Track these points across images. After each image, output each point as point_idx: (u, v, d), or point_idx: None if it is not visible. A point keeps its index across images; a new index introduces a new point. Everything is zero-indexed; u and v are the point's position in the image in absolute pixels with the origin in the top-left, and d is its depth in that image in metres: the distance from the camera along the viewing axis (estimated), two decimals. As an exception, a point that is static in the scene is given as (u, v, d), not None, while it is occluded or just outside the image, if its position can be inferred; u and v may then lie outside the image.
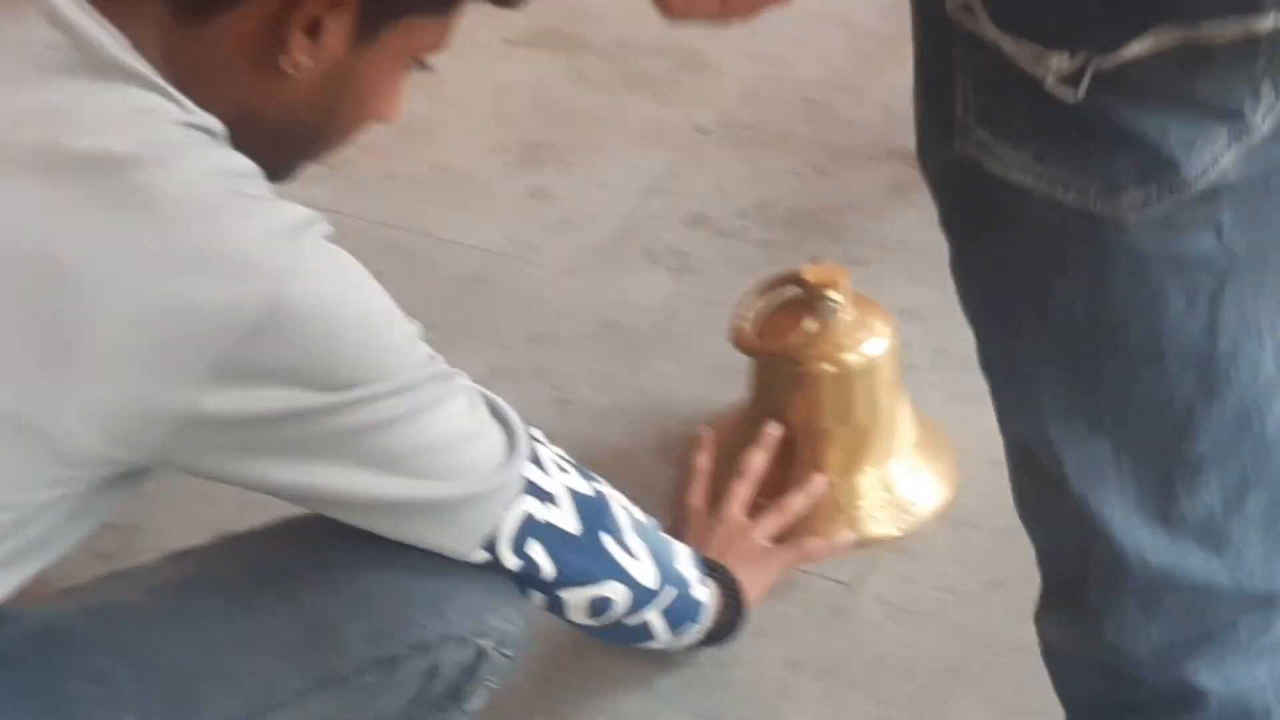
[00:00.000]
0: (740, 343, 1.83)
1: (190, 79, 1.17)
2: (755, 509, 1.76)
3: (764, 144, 2.47)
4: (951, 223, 1.11)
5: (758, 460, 1.79)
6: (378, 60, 1.25)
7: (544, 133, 2.48)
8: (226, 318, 1.11)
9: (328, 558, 1.32)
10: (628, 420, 2.01)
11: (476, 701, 1.40)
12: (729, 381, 2.01)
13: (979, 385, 1.97)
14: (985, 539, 1.83)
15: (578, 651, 1.69)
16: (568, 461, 1.41)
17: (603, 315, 2.16)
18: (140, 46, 1.15)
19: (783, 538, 1.74)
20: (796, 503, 1.77)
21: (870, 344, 1.81)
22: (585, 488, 1.40)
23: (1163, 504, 1.05)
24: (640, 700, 1.68)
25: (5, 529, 1.15)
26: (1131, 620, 1.08)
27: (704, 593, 1.54)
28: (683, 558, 1.51)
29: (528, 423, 1.35)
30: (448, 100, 2.47)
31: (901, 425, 1.87)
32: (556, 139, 2.47)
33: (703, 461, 1.80)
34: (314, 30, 1.19)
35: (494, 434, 1.32)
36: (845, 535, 1.80)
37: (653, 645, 1.54)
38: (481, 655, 1.36)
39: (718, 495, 1.76)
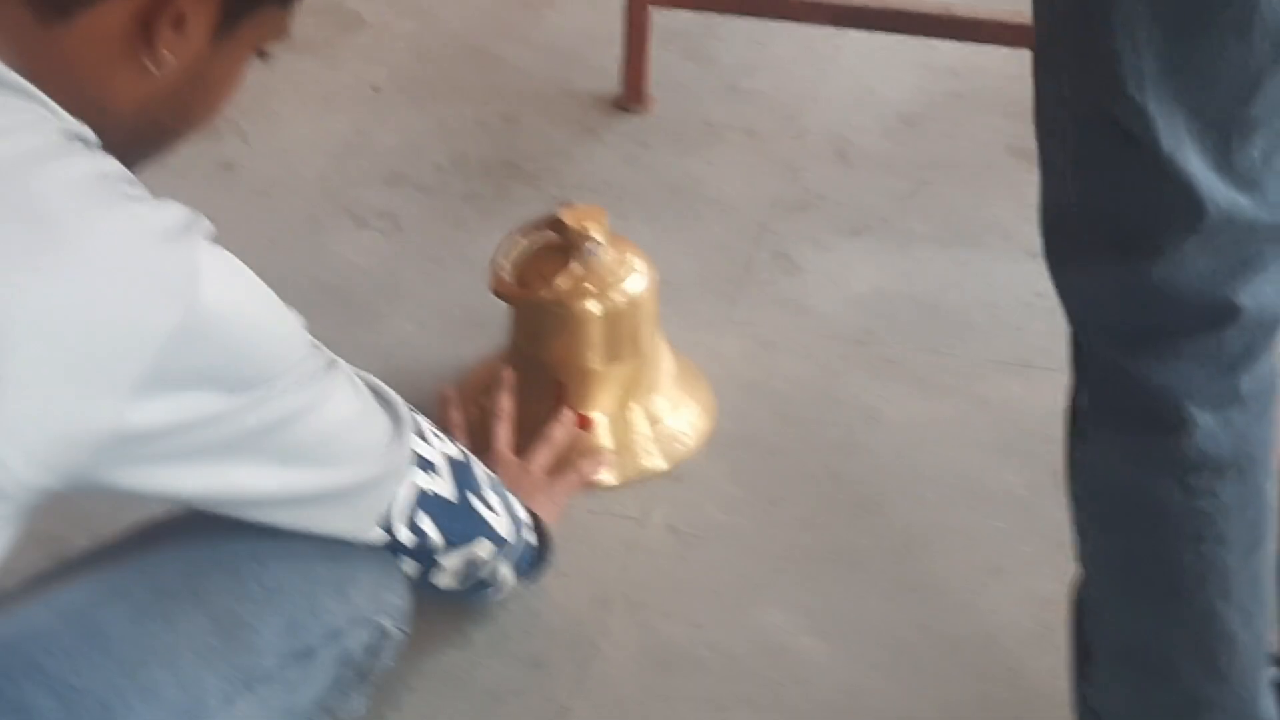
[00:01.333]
0: (501, 291, 1.83)
1: (52, 82, 1.13)
2: (519, 452, 1.79)
3: (443, 97, 2.47)
4: None
5: (505, 401, 1.83)
6: (232, 52, 1.23)
7: (214, 104, 2.41)
8: (143, 329, 1.08)
9: (230, 555, 1.29)
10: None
11: (373, 681, 1.39)
12: (467, 335, 2.04)
13: (709, 313, 2.07)
14: (753, 459, 1.89)
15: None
16: (435, 427, 1.42)
17: (323, 283, 2.13)
18: (2, 53, 1.11)
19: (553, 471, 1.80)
20: (557, 432, 1.82)
21: (632, 281, 1.84)
22: (455, 452, 1.42)
23: (1222, 158, 1.20)
24: (460, 655, 1.68)
25: None
26: (1188, 255, 1.22)
27: (531, 533, 1.58)
28: (516, 502, 1.54)
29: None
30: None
31: (661, 358, 1.91)
32: (229, 109, 2.39)
33: (506, 403, 1.83)
34: (179, 24, 1.17)
35: (379, 415, 1.33)
36: (601, 451, 1.85)
37: (495, 595, 1.57)
38: (383, 634, 1.37)
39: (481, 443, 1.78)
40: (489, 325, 1.95)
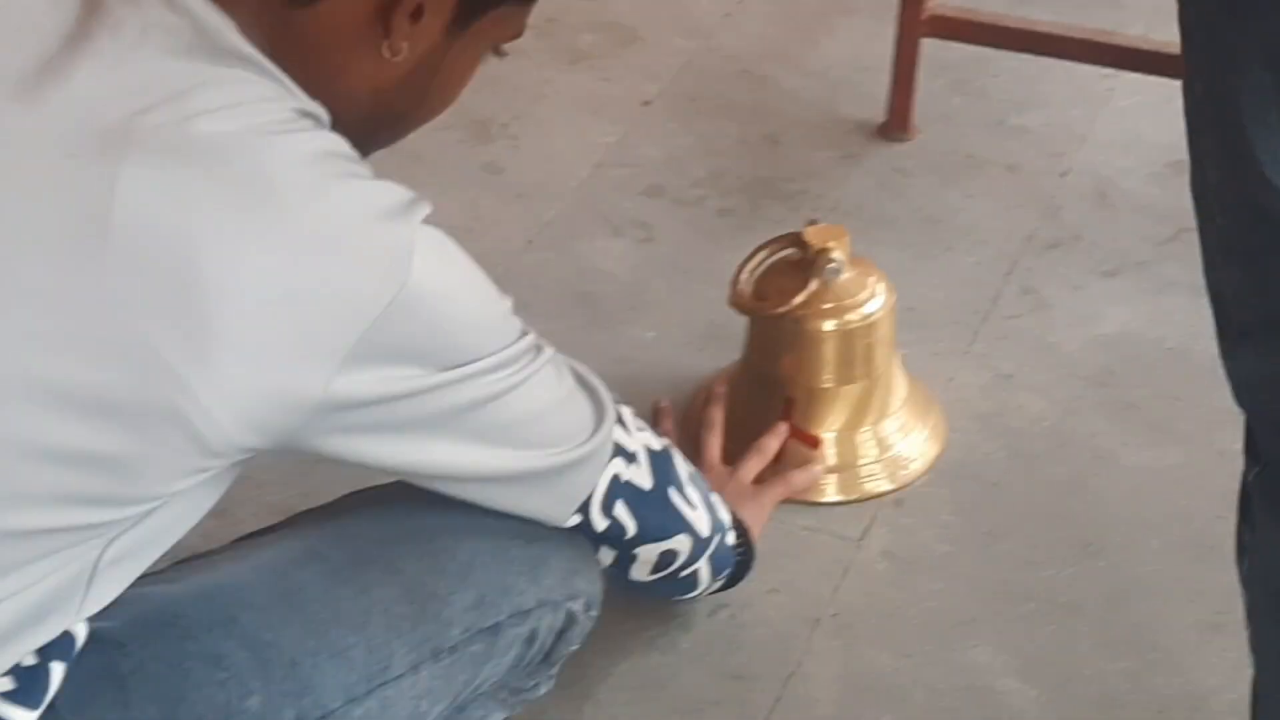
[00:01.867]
0: (738, 303, 1.85)
1: (291, 62, 1.18)
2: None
3: (710, 115, 2.49)
4: None
5: (715, 412, 1.86)
6: (466, 48, 1.27)
7: (488, 109, 2.47)
8: (359, 301, 1.12)
9: (427, 528, 1.33)
10: (611, 388, 2.03)
11: (561, 664, 1.42)
12: (707, 347, 2.06)
13: (950, 342, 2.06)
14: (978, 491, 1.88)
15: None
16: (638, 417, 1.44)
17: (573, 286, 2.17)
18: (246, 30, 1.16)
19: (761, 480, 1.81)
20: (769, 443, 1.83)
21: (871, 302, 1.84)
22: (656, 444, 1.44)
23: None
24: (663, 660, 1.70)
25: (137, 519, 1.14)
26: None
27: (733, 536, 1.59)
28: (720, 503, 1.55)
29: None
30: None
31: (895, 382, 1.91)
32: (502, 115, 2.47)
33: (716, 415, 1.86)
34: (417, 16, 1.21)
35: (583, 401, 1.36)
36: (817, 466, 1.85)
37: (693, 594, 1.59)
38: (571, 618, 1.39)
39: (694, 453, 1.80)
40: (729, 339, 1.96)
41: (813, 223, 1.86)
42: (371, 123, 1.27)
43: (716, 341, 2.03)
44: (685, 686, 1.68)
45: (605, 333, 2.10)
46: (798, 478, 1.83)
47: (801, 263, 1.83)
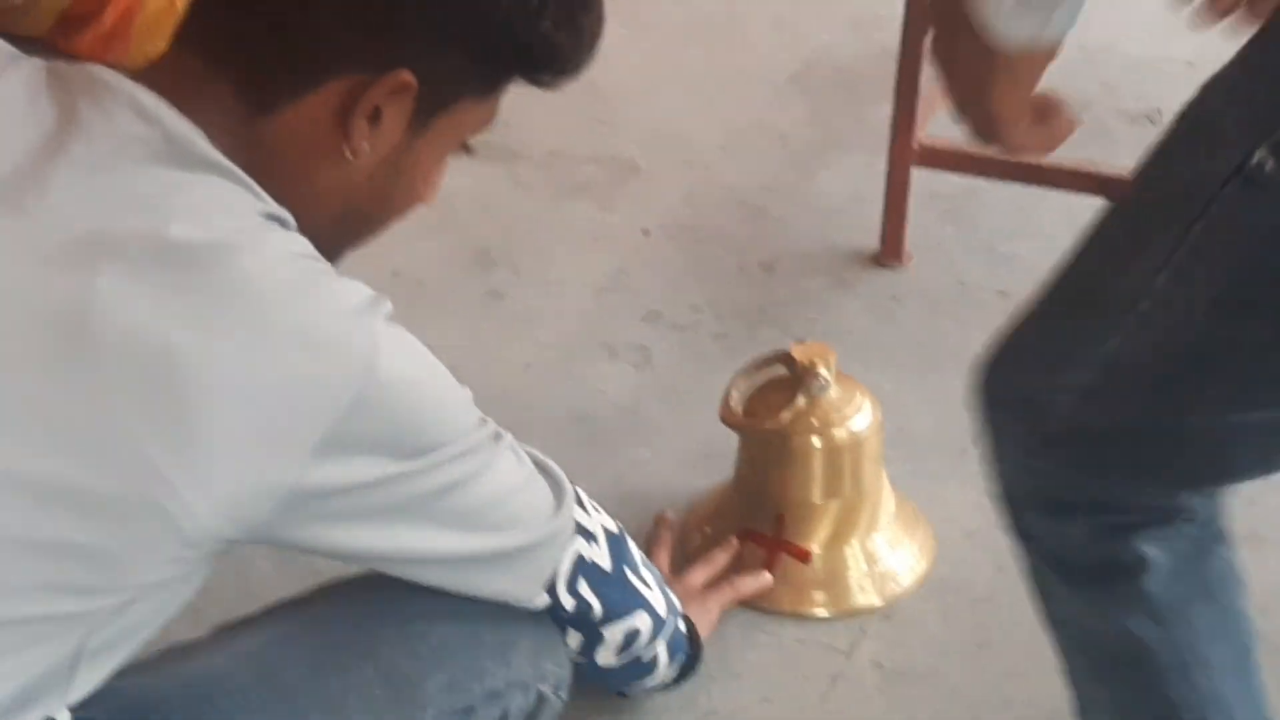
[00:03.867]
0: (728, 419, 1.89)
1: (259, 169, 1.21)
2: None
3: (707, 244, 2.55)
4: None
5: (720, 557, 1.89)
6: (431, 144, 1.30)
7: (492, 239, 2.54)
8: (329, 394, 1.15)
9: (400, 613, 1.36)
10: (607, 507, 2.06)
11: None
12: (700, 466, 2.09)
13: (939, 463, 2.09)
14: (966, 604, 1.90)
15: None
16: (591, 500, 1.51)
17: (571, 408, 2.22)
18: (214, 139, 1.19)
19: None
20: (719, 555, 1.89)
21: (857, 419, 1.88)
22: (613, 526, 1.50)
23: None
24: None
25: (119, 608, 1.17)
26: None
27: (683, 623, 1.63)
28: (669, 589, 1.60)
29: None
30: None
31: (883, 498, 1.94)
32: (505, 244, 2.53)
33: (664, 532, 1.94)
34: (375, 118, 1.24)
35: (542, 483, 1.41)
36: (765, 576, 1.87)
37: (651, 682, 1.62)
38: (542, 699, 1.43)
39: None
40: (723, 457, 2.00)
41: (798, 341, 1.91)
42: (341, 224, 1.30)
43: (711, 460, 2.06)
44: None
45: (602, 453, 2.14)
46: (745, 583, 1.86)
47: (789, 380, 1.88)
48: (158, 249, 1.13)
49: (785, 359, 1.89)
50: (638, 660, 1.55)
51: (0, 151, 1.18)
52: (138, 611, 1.19)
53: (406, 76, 1.22)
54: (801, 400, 1.85)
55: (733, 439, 1.95)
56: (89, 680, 1.19)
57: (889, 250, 2.46)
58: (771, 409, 1.87)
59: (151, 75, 1.21)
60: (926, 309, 2.39)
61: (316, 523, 1.22)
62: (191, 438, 1.12)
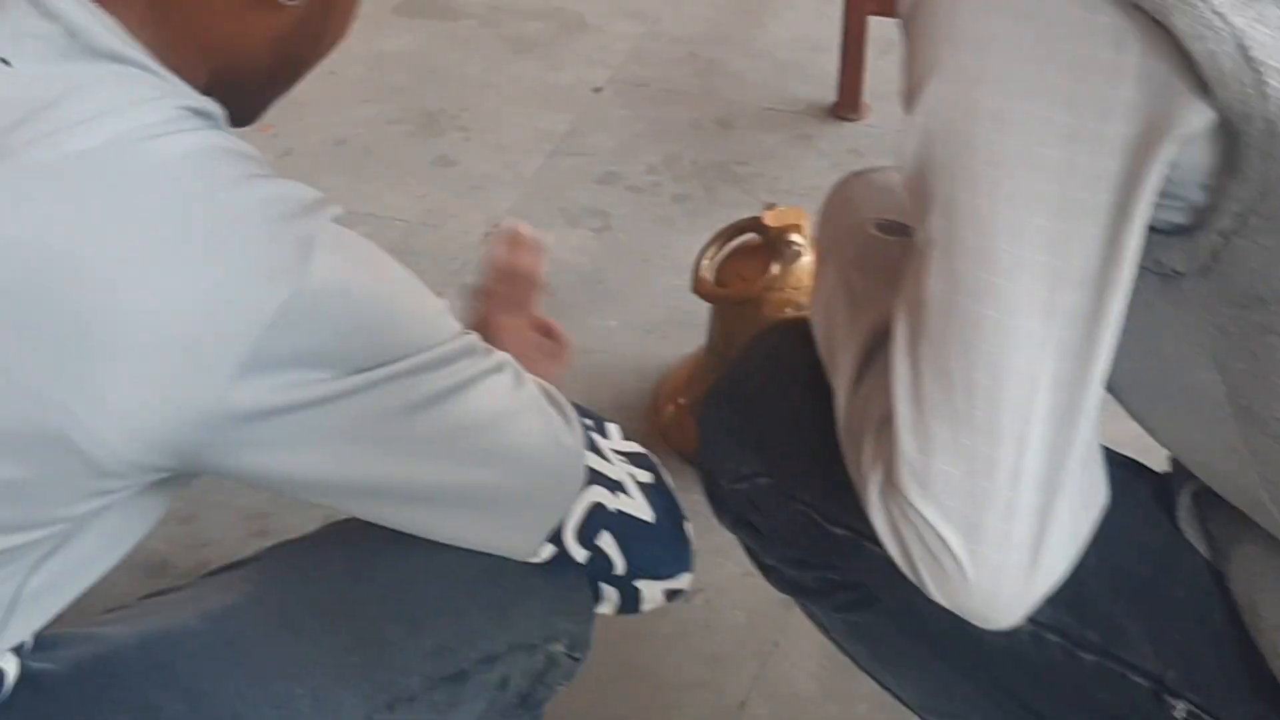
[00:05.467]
0: (702, 291, 1.86)
1: (185, 44, 1.15)
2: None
3: (660, 101, 2.51)
4: None
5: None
6: None
7: (437, 101, 2.48)
8: (249, 308, 1.07)
9: (385, 571, 1.25)
10: (573, 381, 2.04)
11: (546, 704, 1.33)
12: (669, 335, 2.08)
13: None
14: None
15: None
16: (628, 448, 1.32)
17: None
18: (131, 25, 1.12)
19: None
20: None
21: (831, 284, 1.85)
22: (650, 478, 1.32)
23: None
24: (643, 646, 1.73)
25: (47, 546, 1.11)
26: None
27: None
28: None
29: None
30: (330, 72, 2.45)
31: (858, 362, 1.92)
32: (451, 106, 2.48)
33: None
34: None
35: (546, 413, 1.24)
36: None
37: None
38: (552, 660, 1.29)
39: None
40: (692, 326, 1.98)
41: (771, 207, 1.87)
42: (273, 74, 1.24)
43: (680, 328, 2.05)
44: (665, 670, 1.70)
45: (566, 324, 2.08)
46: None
47: (762, 247, 1.85)
48: (62, 157, 1.07)
49: (757, 225, 1.85)
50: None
51: None
52: (78, 548, 1.13)
53: None
54: (775, 268, 1.82)
55: (703, 307, 1.92)
56: (27, 624, 1.13)
57: (846, 101, 2.42)
58: (744, 277, 1.84)
59: None
60: (889, 159, 2.34)
61: (257, 449, 1.13)
62: (92, 365, 1.06)
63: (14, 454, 1.06)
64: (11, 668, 1.13)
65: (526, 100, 2.49)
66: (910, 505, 1.11)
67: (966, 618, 1.13)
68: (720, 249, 1.88)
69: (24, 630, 1.13)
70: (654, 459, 1.34)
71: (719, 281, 1.86)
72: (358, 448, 1.15)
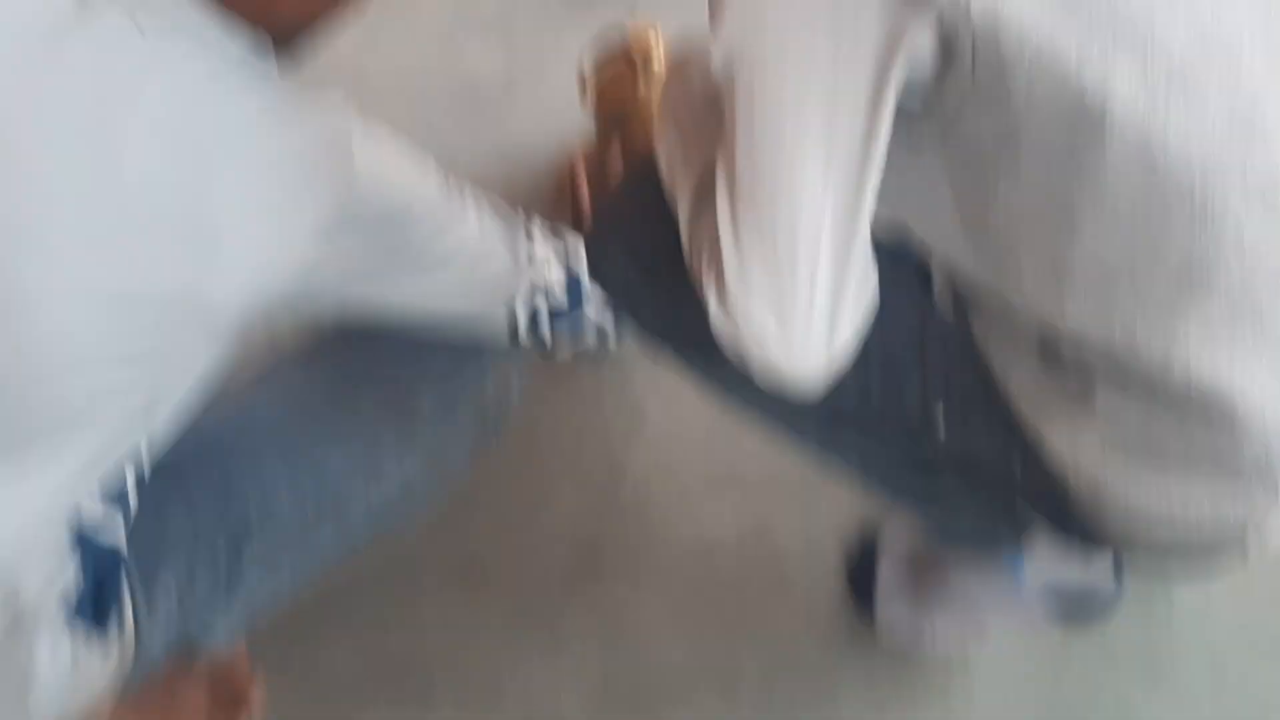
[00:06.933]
0: (587, 105, 2.31)
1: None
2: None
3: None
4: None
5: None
6: None
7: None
8: (318, 190, 1.29)
9: (394, 353, 1.66)
10: (499, 168, 2.41)
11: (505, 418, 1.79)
12: (568, 120, 2.46)
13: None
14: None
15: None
16: (547, 231, 1.76)
17: (456, 87, 2.55)
18: None
19: None
20: None
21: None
22: (559, 246, 1.76)
23: None
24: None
25: (170, 399, 1.37)
26: None
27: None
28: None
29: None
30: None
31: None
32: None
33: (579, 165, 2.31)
34: None
35: (498, 223, 1.63)
36: None
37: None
38: (508, 377, 1.77)
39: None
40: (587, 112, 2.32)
41: (630, 20, 2.26)
42: (305, 10, 1.38)
43: (580, 117, 2.40)
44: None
45: (487, 125, 2.50)
46: None
47: (630, 66, 2.26)
48: (167, 98, 1.23)
49: (624, 49, 2.25)
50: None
51: (22, 21, 1.23)
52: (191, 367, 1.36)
53: None
54: (641, 84, 2.25)
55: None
56: (166, 417, 1.38)
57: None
58: (620, 93, 2.27)
59: None
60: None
61: (321, 286, 1.39)
62: (220, 243, 1.25)
63: (153, 323, 1.26)
64: (144, 454, 1.44)
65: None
66: (734, 302, 1.31)
67: (785, 386, 1.33)
68: (598, 69, 2.28)
69: (165, 417, 1.39)
70: (564, 230, 1.80)
71: (600, 97, 2.28)
72: (399, 273, 1.47)
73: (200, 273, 1.25)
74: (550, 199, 2.36)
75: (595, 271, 1.65)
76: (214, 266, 1.25)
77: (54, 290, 1.21)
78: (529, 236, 1.71)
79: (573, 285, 1.77)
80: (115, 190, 1.21)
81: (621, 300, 1.64)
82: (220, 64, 1.27)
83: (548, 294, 1.72)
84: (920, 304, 1.52)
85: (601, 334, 1.87)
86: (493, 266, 1.63)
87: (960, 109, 1.30)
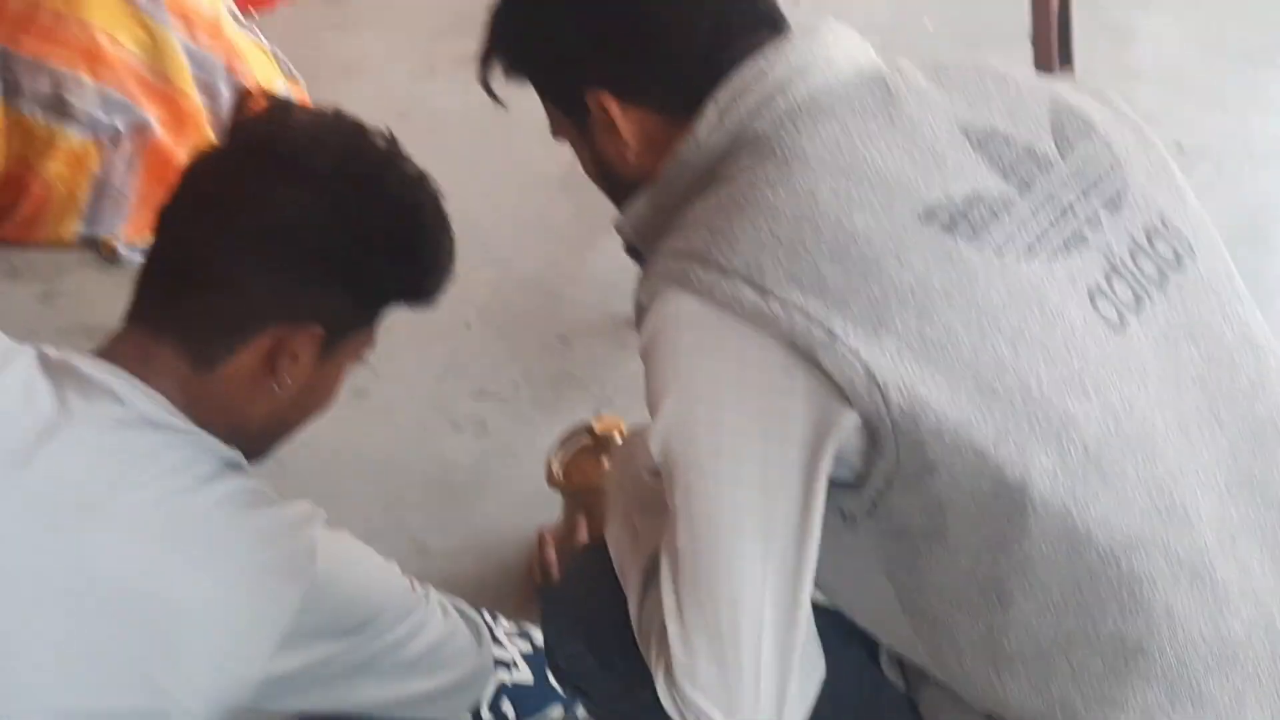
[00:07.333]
0: (554, 484, 2.47)
1: (204, 412, 1.48)
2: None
3: (516, 327, 3.07)
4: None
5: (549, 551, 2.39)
6: (334, 365, 1.63)
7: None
8: (280, 603, 1.41)
9: None
10: (468, 551, 2.56)
11: None
12: (537, 509, 2.61)
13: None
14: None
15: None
16: (518, 631, 1.86)
17: (431, 477, 2.71)
18: (172, 399, 1.46)
19: None
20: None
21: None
22: (528, 646, 1.86)
23: None
24: None
25: None
26: None
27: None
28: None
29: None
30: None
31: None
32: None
33: (546, 540, 2.44)
34: (294, 358, 1.54)
35: (464, 629, 1.72)
36: None
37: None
38: None
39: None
40: (556, 502, 2.52)
41: (597, 416, 2.47)
42: (272, 435, 1.62)
43: (548, 504, 2.55)
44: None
45: (459, 511, 2.64)
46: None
47: (594, 447, 2.45)
48: (142, 508, 1.36)
49: (589, 431, 2.45)
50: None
51: (5, 432, 1.39)
52: None
53: (317, 329, 1.53)
54: (606, 463, 2.42)
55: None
56: None
57: (655, 316, 3.00)
58: (583, 470, 2.44)
59: (113, 350, 1.48)
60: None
61: (287, 695, 1.48)
62: (182, 658, 1.36)
63: None
64: None
65: (417, 337, 2.93)
66: (682, 694, 1.37)
67: None
68: (564, 449, 2.46)
69: None
70: (530, 629, 1.86)
71: (566, 475, 2.45)
72: (359, 680, 1.53)
73: (165, 686, 1.34)
74: (522, 588, 2.45)
75: (550, 655, 1.69)
76: (177, 680, 1.35)
77: (24, 713, 1.30)
78: (495, 640, 1.79)
79: (539, 686, 1.84)
80: (86, 602, 1.31)
81: (575, 686, 1.69)
82: (193, 469, 1.40)
83: (513, 696, 1.79)
84: (868, 675, 1.55)
85: None
86: (458, 673, 1.69)
87: (888, 486, 1.35)
